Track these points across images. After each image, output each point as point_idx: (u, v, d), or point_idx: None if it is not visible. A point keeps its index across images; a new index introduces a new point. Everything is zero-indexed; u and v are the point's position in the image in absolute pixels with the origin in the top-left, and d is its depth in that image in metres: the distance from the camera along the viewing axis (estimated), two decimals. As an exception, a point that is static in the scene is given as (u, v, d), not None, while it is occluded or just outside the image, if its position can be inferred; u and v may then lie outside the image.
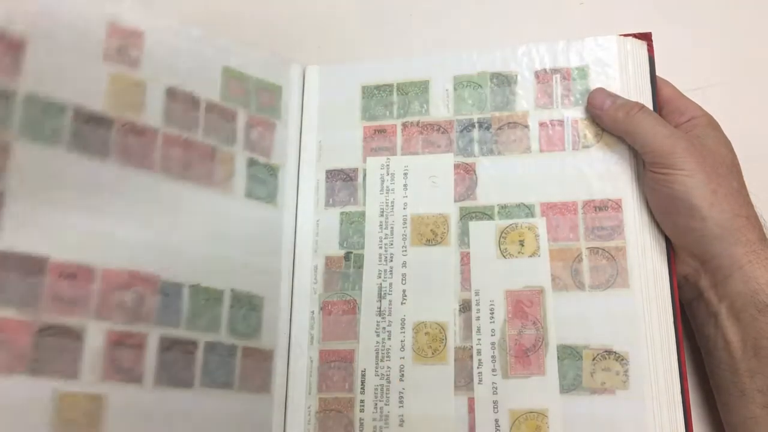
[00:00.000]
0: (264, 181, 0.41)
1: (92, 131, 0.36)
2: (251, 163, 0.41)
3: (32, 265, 0.33)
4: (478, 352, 0.38)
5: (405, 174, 0.42)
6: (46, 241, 0.33)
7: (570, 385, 0.37)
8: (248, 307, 0.39)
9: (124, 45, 0.38)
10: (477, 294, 0.39)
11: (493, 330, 0.39)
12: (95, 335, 0.34)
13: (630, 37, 0.42)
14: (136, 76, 0.38)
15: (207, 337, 0.37)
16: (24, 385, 0.31)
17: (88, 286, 0.34)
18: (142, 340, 0.35)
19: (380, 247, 0.40)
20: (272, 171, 0.42)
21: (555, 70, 0.42)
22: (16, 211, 0.33)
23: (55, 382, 0.32)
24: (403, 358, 0.39)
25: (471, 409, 0.38)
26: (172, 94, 0.39)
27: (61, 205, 0.34)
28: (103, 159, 0.36)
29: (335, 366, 0.39)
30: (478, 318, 0.39)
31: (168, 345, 0.36)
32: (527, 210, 0.40)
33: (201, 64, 0.41)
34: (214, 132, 0.40)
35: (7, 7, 0.35)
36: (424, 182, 0.41)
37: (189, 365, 0.36)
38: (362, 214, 0.41)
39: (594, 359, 0.37)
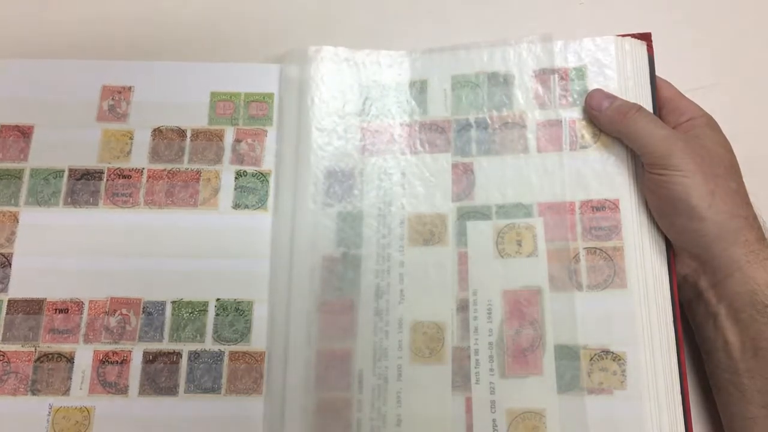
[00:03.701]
0: (253, 189, 0.42)
1: (84, 185, 0.42)
2: (239, 174, 0.42)
3: (33, 307, 0.40)
4: (476, 352, 0.38)
5: (403, 174, 0.42)
6: (43, 285, 0.40)
7: (567, 385, 0.37)
8: (235, 313, 0.40)
9: (114, 103, 0.43)
10: (475, 294, 0.39)
11: (490, 330, 0.38)
12: (84, 357, 0.39)
13: (628, 37, 0.42)
14: (125, 128, 0.43)
15: (191, 347, 0.40)
16: (26, 403, 0.39)
17: (77, 317, 0.40)
18: (126, 356, 0.39)
19: (378, 247, 0.40)
20: (262, 178, 0.42)
21: (553, 71, 0.42)
22: (21, 265, 0.40)
23: (50, 399, 0.39)
24: (401, 357, 0.39)
25: (468, 409, 0.37)
26: (157, 133, 0.43)
27: (55, 254, 0.41)
28: (93, 207, 0.42)
29: (332, 366, 0.39)
30: (475, 318, 0.39)
31: (151, 358, 0.40)
32: (525, 210, 0.40)
33: (188, 96, 0.44)
34: (199, 156, 0.43)
35: (18, 101, 0.43)
36: (422, 182, 0.41)
37: (173, 374, 0.39)
38: (360, 214, 0.41)
39: (591, 359, 0.37)
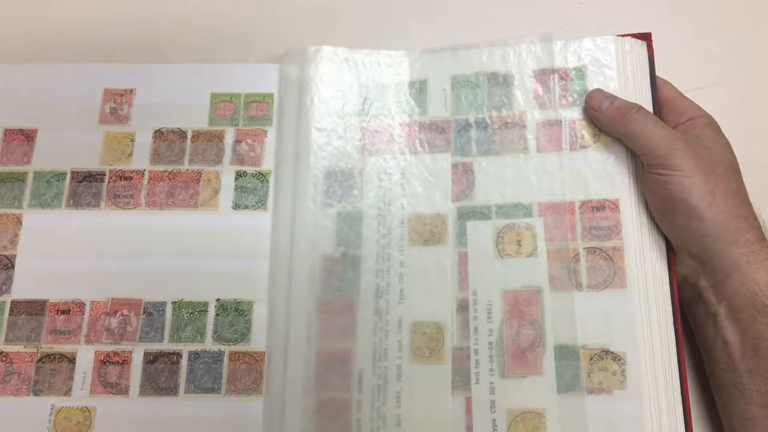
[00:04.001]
0: (253, 189, 0.42)
1: (86, 187, 0.42)
2: (239, 175, 0.42)
3: (35, 308, 0.40)
4: (476, 352, 0.38)
5: (403, 174, 0.42)
6: (46, 286, 0.41)
7: (567, 385, 0.37)
8: (235, 313, 0.40)
9: (116, 105, 0.44)
10: (474, 294, 0.39)
11: (490, 330, 0.39)
12: (85, 357, 0.40)
13: (628, 37, 0.42)
14: (127, 130, 0.43)
15: (191, 347, 0.40)
16: (28, 403, 0.39)
17: (79, 318, 0.40)
18: (127, 356, 0.40)
19: (378, 247, 0.40)
20: (262, 178, 0.42)
21: (552, 71, 0.42)
22: (24, 267, 0.41)
23: (52, 400, 0.39)
24: (401, 357, 0.39)
25: (468, 409, 0.38)
26: (158, 135, 0.43)
27: (58, 255, 0.41)
28: (95, 208, 0.42)
29: (332, 366, 0.39)
30: (475, 318, 0.39)
31: (152, 358, 0.40)
32: (525, 210, 0.40)
33: (188, 98, 0.44)
34: (200, 157, 0.43)
35: (22, 105, 0.44)
36: (422, 182, 0.41)
37: (173, 375, 0.39)
38: (360, 214, 0.41)
39: (591, 359, 0.37)
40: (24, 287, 0.40)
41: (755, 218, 0.37)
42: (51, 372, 0.39)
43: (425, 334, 0.39)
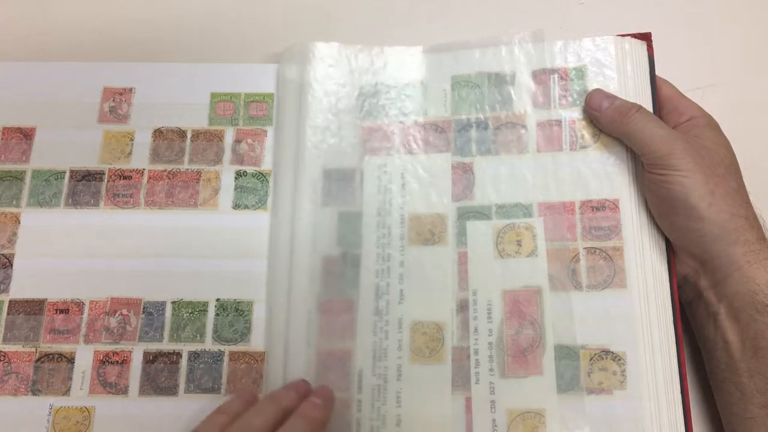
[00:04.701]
0: (253, 189, 0.42)
1: (85, 187, 0.42)
2: (239, 175, 0.42)
3: (34, 307, 0.40)
4: (476, 352, 0.38)
5: (403, 174, 0.42)
6: (44, 286, 0.41)
7: (567, 385, 0.37)
8: (235, 313, 0.40)
9: (115, 104, 0.44)
10: (474, 294, 0.39)
11: (490, 330, 0.38)
12: (84, 357, 0.40)
13: (628, 37, 0.42)
14: (126, 129, 0.43)
15: (191, 347, 0.40)
16: (26, 403, 0.39)
17: (78, 318, 0.40)
18: (127, 356, 0.40)
19: (378, 247, 0.40)
20: (262, 178, 0.42)
21: (552, 71, 0.42)
22: (22, 266, 0.41)
23: (51, 400, 0.39)
24: (401, 357, 0.39)
25: (468, 409, 0.38)
26: (158, 134, 0.43)
27: (56, 255, 0.41)
28: (94, 208, 0.42)
29: (332, 366, 0.39)
30: (475, 318, 0.39)
31: (151, 358, 0.40)
32: (525, 210, 0.40)
33: (188, 97, 0.44)
34: (199, 156, 0.43)
35: (20, 103, 0.44)
36: (422, 182, 0.41)
37: (173, 374, 0.39)
38: (360, 214, 0.41)
39: (591, 359, 0.37)
40: (22, 286, 0.40)
41: (755, 218, 0.37)
42: (50, 372, 0.39)
43: (425, 334, 0.39)
